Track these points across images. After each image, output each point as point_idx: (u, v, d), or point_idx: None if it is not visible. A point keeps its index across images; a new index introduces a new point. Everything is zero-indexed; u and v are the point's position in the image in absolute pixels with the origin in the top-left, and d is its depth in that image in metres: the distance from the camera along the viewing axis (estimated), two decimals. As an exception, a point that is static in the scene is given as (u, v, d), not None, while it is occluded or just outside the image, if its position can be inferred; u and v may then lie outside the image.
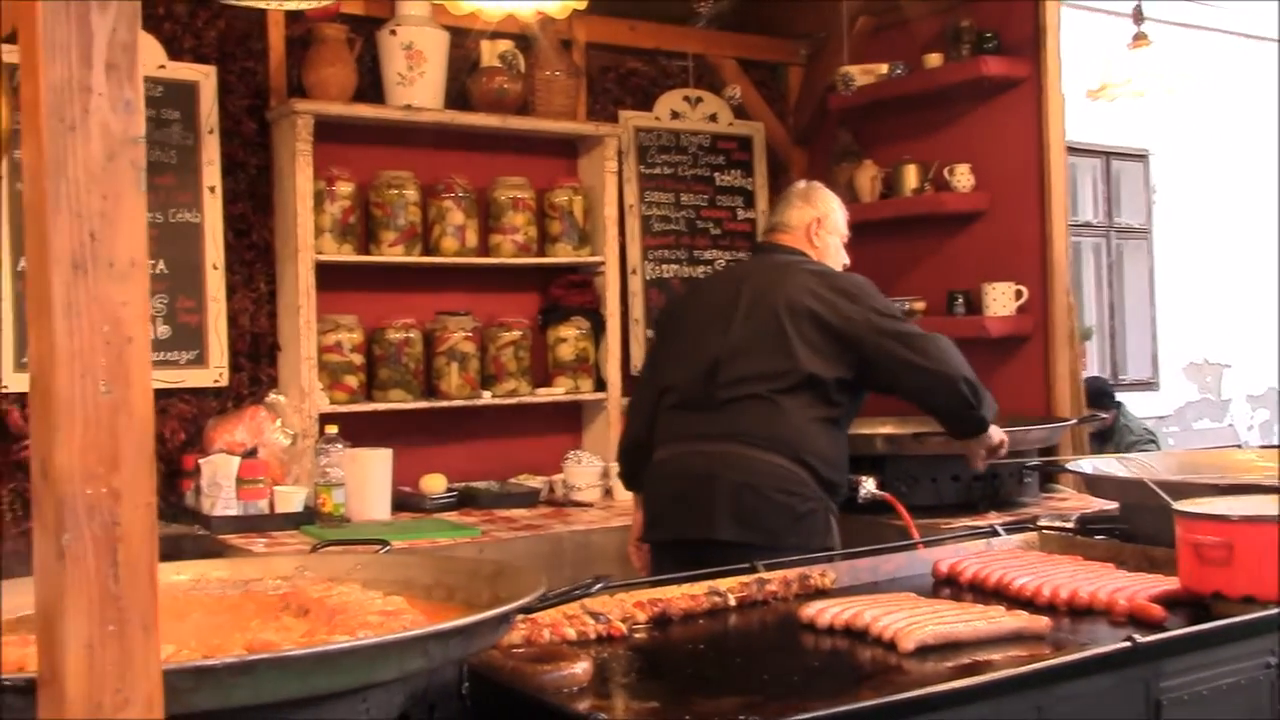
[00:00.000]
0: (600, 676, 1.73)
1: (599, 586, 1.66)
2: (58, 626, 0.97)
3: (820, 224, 3.25)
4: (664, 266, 5.07)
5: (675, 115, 5.14)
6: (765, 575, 2.25)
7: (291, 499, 3.79)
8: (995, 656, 1.79)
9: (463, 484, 4.29)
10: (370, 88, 4.42)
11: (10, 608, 1.69)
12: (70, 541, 0.97)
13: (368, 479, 3.90)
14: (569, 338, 4.65)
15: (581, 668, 1.68)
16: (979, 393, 3.03)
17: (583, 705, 1.56)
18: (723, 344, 3.05)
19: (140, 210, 1.01)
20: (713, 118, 5.21)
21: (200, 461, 3.81)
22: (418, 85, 4.35)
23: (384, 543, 2.01)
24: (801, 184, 3.41)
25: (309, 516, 3.77)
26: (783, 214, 3.30)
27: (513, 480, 4.45)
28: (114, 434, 0.99)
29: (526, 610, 1.46)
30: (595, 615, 1.99)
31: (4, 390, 3.94)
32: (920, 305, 4.64)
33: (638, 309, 4.95)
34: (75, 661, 0.97)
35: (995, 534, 2.61)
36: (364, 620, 1.50)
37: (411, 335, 4.37)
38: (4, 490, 3.94)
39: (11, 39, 1.03)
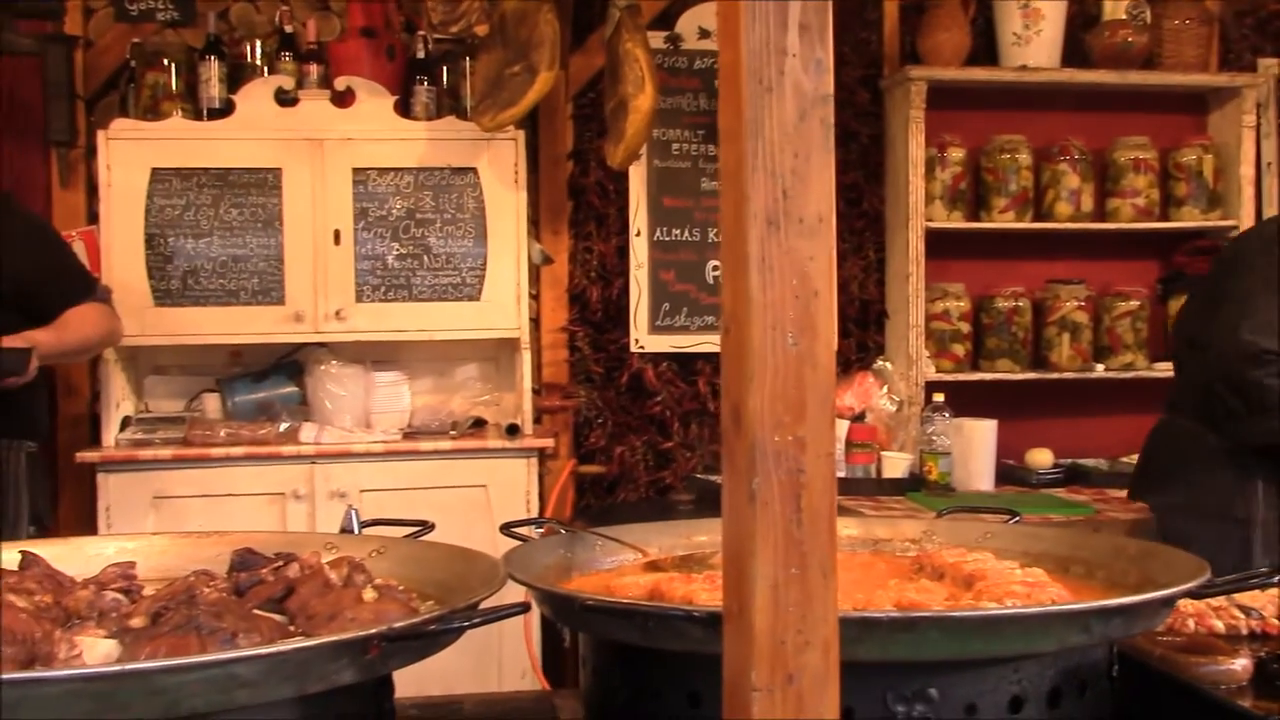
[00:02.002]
0: (1261, 676, 1.57)
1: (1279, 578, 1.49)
2: (746, 565, 1.02)
3: None
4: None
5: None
6: None
7: (898, 465, 3.82)
8: None
9: (1070, 460, 4.12)
10: (983, 50, 4.34)
11: (665, 546, 1.83)
12: (759, 485, 1.01)
13: (973, 449, 3.85)
14: (1193, 309, 4.30)
15: (1240, 664, 1.53)
16: None
17: (1244, 703, 1.43)
18: None
19: (828, 167, 1.03)
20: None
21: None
22: (1033, 45, 4.20)
23: (1013, 513, 1.96)
24: None
25: (914, 483, 3.78)
26: None
27: (1124, 459, 4.19)
28: (800, 384, 1.02)
29: (1195, 595, 1.35)
30: (1246, 610, 1.81)
31: (640, 350, 4.32)
32: None
33: (1275, 278, 4.47)
34: (762, 599, 1.01)
35: None
36: (1008, 589, 1.46)
37: (1021, 304, 4.26)
38: (638, 443, 4.32)
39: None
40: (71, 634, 1.09)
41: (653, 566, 1.68)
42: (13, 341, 2.90)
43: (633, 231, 4.33)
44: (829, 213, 1.03)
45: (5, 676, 0.93)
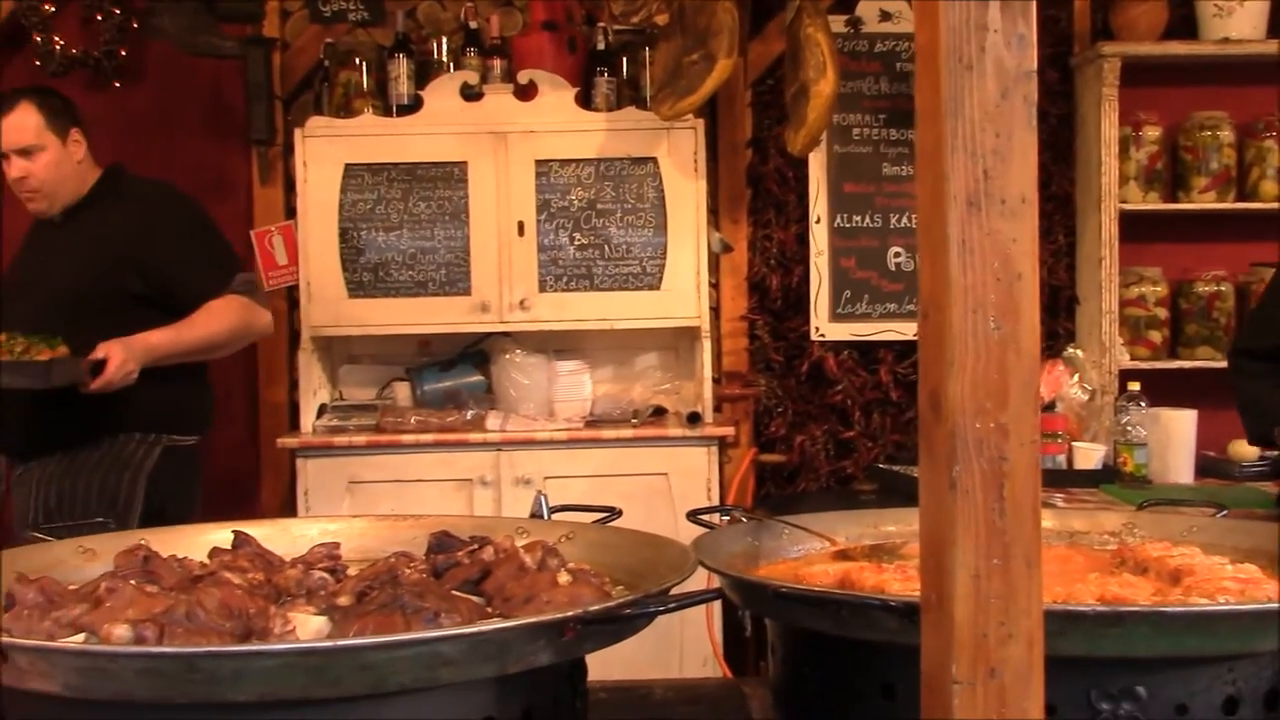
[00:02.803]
0: None
1: None
2: (946, 555, 0.99)
3: None
4: None
5: None
6: None
7: (1090, 456, 3.69)
8: None
9: (1276, 453, 3.91)
10: (1180, 23, 4.15)
11: (852, 536, 1.81)
12: (960, 474, 0.99)
13: (1171, 440, 3.69)
14: None
15: None
16: None
17: None
18: None
19: (1031, 146, 1.00)
20: None
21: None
22: (1236, 16, 4.01)
23: (1220, 506, 1.87)
24: None
25: (1109, 475, 3.65)
26: None
27: (1338, 451, 3.97)
28: (1002, 370, 0.99)
29: None
30: None
31: (821, 339, 4.28)
32: None
33: None
34: (963, 589, 0.98)
35: None
36: (1219, 585, 1.39)
37: (1222, 288, 4.07)
38: (819, 432, 4.28)
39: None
40: (284, 610, 1.14)
41: (841, 555, 1.66)
42: (107, 349, 2.93)
43: (812, 218, 4.29)
44: (1032, 193, 1.00)
45: (226, 649, 0.98)
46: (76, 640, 1.12)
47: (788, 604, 1.29)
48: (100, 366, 2.92)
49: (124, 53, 4.39)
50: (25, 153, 3.11)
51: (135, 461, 3.11)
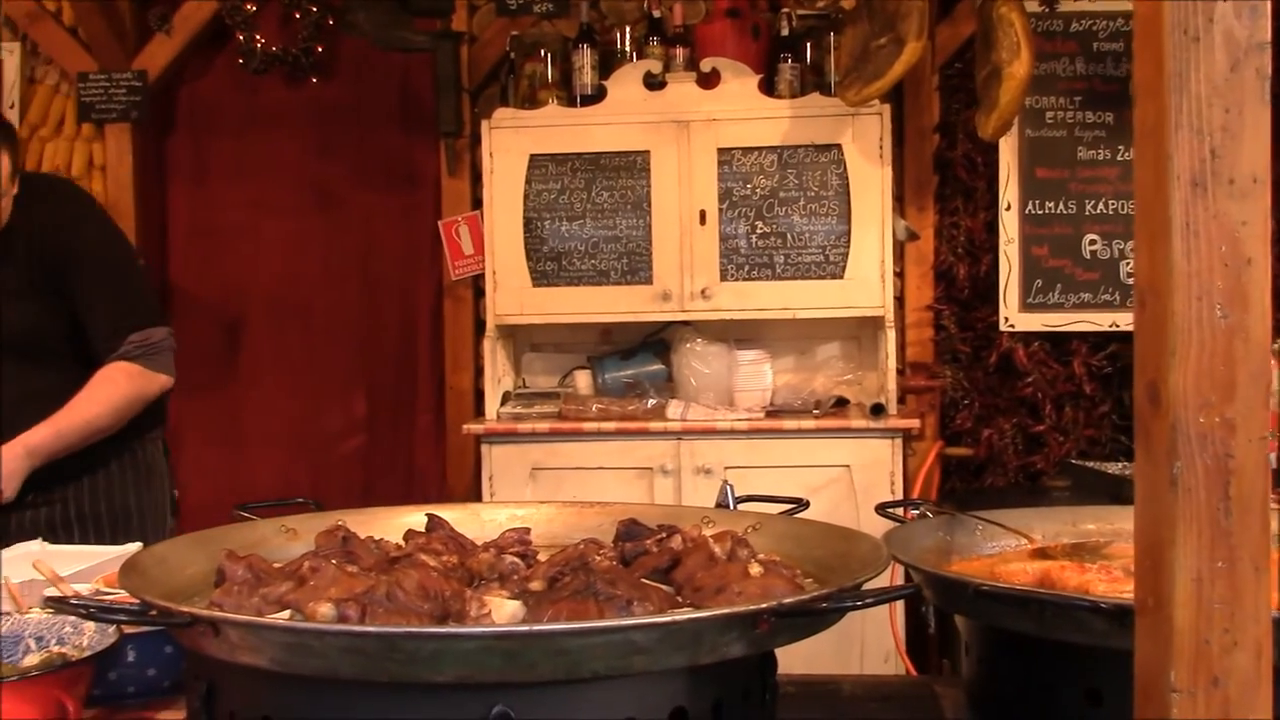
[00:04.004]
0: None
1: None
2: (1164, 556, 0.94)
3: None
4: None
5: None
6: None
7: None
8: None
9: None
10: None
11: (1049, 533, 1.74)
12: (1181, 471, 0.93)
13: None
14: None
15: None
16: None
17: None
18: None
19: (1264, 122, 0.94)
20: None
21: None
22: None
23: None
24: None
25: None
26: None
27: None
28: (1229, 361, 0.94)
29: None
30: None
31: (1010, 329, 4.15)
32: None
33: None
34: (1183, 593, 0.93)
35: None
36: None
37: None
38: (1007, 426, 4.16)
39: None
40: (479, 594, 1.15)
41: (1040, 554, 1.60)
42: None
43: (1002, 205, 4.17)
44: (1264, 173, 0.94)
45: (427, 629, 0.99)
46: (283, 617, 1.15)
47: (988, 603, 1.24)
48: None
49: (320, 49, 4.54)
50: None
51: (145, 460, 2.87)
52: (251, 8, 4.50)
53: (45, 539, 2.35)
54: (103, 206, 2.90)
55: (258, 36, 4.52)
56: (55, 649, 1.51)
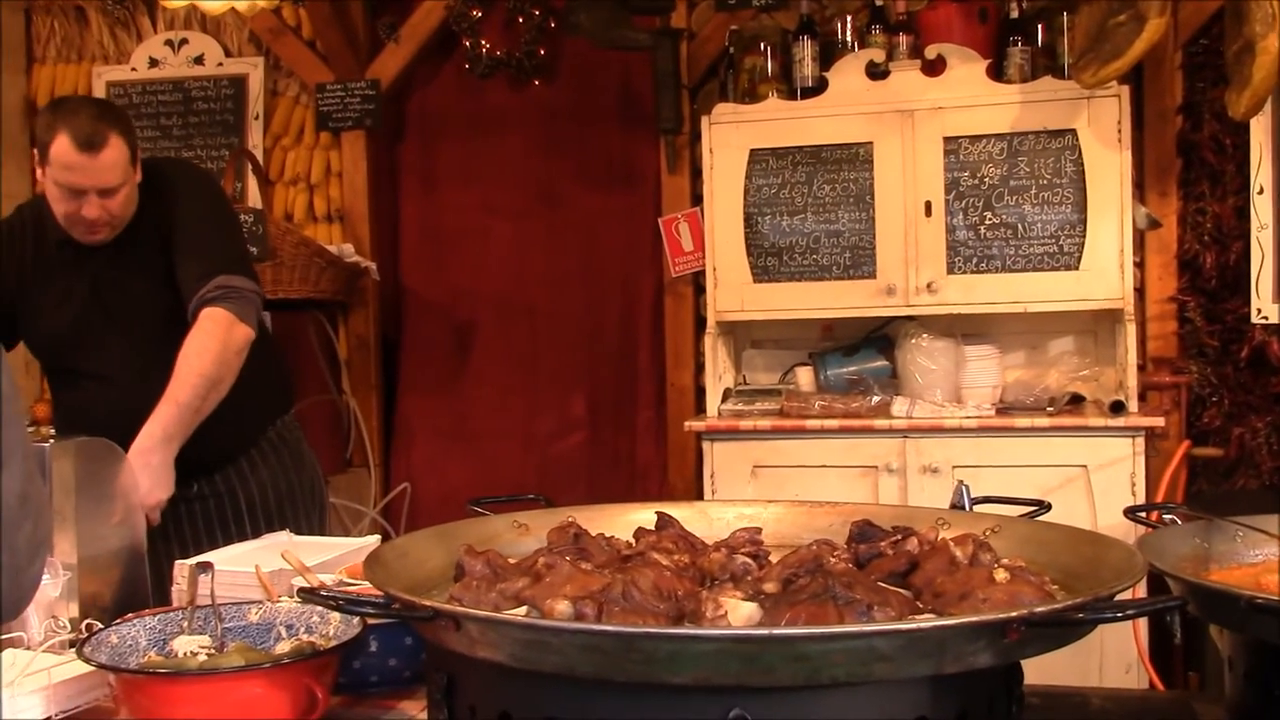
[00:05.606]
0: None
1: None
2: None
3: None
4: None
5: None
6: None
7: None
8: None
9: None
10: None
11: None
12: None
13: None
14: None
15: None
16: None
17: None
18: None
19: None
20: None
21: None
22: None
23: None
24: None
25: None
26: None
27: None
28: None
29: None
30: None
31: (1263, 321, 3.89)
32: None
33: None
34: None
35: None
36: None
37: None
38: (1260, 425, 3.90)
39: None
40: (714, 594, 1.13)
41: (1313, 563, 1.48)
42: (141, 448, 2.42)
43: (1254, 189, 3.91)
44: None
45: (665, 630, 0.98)
46: (520, 613, 1.16)
47: (1262, 616, 1.15)
48: None
49: (542, 51, 4.62)
50: (109, 192, 2.57)
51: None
52: (477, 13, 4.62)
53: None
54: (211, 174, 2.98)
55: (483, 41, 4.64)
56: (304, 637, 1.57)
